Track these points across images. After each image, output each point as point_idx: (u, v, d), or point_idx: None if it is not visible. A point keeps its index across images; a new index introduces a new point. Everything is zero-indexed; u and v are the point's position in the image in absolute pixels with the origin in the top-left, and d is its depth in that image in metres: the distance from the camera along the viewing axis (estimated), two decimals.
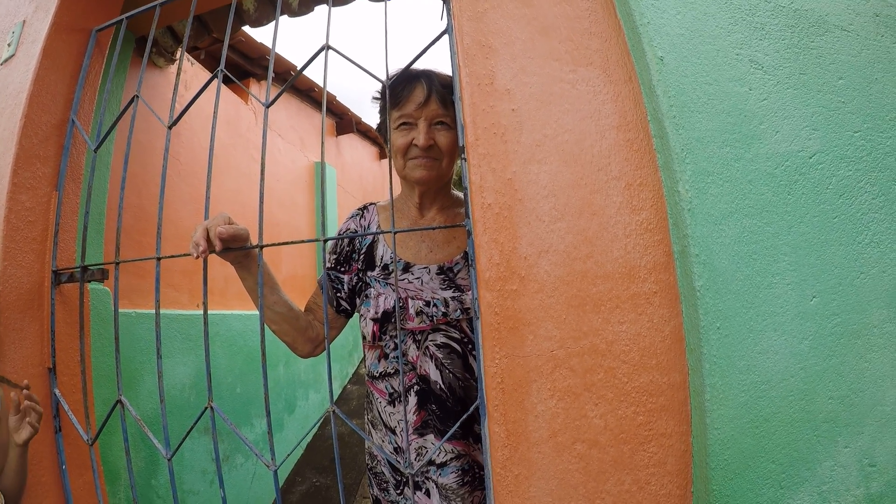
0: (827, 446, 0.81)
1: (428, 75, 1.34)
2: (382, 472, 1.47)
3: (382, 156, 8.25)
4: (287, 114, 5.08)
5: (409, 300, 1.36)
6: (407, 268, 1.41)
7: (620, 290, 0.89)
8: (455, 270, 1.40)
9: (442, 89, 1.33)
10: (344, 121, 6.42)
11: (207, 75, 3.31)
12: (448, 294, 1.37)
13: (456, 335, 1.37)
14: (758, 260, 0.84)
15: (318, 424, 4.66)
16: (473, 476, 1.37)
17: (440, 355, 1.36)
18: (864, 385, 0.83)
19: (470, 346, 1.37)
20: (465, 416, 1.00)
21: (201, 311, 2.93)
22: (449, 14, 1.05)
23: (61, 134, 1.59)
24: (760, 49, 0.92)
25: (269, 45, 4.13)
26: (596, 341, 0.89)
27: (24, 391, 1.34)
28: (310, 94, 5.46)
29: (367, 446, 1.55)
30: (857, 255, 0.86)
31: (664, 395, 0.87)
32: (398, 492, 1.44)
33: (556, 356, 0.89)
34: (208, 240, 1.14)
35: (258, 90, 4.54)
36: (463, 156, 0.97)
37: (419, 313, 1.35)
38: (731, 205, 0.85)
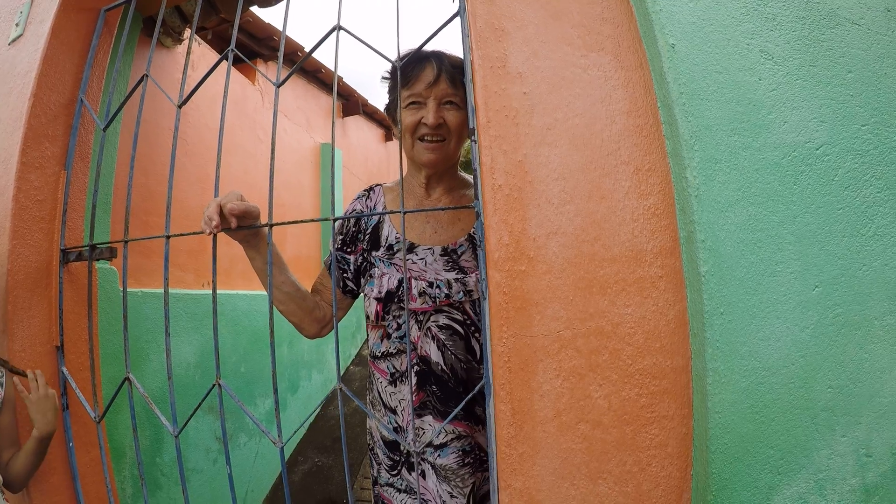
0: (825, 435, 0.82)
1: (438, 55, 1.35)
2: (378, 454, 1.48)
3: (388, 138, 8.21)
4: (294, 95, 5.07)
5: (413, 281, 1.37)
6: (411, 248, 1.41)
7: (627, 273, 0.90)
8: (459, 252, 1.40)
9: (451, 69, 1.34)
10: (350, 102, 6.40)
11: (215, 55, 3.30)
12: (451, 276, 1.37)
13: (458, 317, 1.38)
14: (762, 248, 0.85)
15: (322, 404, 4.68)
16: (475, 458, 1.38)
17: (442, 336, 1.37)
18: (862, 376, 0.84)
19: (472, 328, 1.38)
20: (469, 396, 1.01)
21: (206, 291, 2.97)
22: None
23: (70, 113, 1.59)
24: (771, 39, 0.93)
25: (277, 26, 4.16)
26: (602, 323, 0.90)
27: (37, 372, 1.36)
28: (317, 76, 5.44)
29: (367, 426, 1.56)
30: (860, 247, 0.87)
31: (667, 378, 0.88)
32: (393, 473, 1.44)
33: (563, 337, 0.90)
34: (222, 215, 1.15)
35: (265, 70, 4.52)
36: (473, 138, 0.98)
37: (422, 294, 1.35)
38: (738, 192, 0.86)
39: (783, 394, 0.82)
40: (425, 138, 1.35)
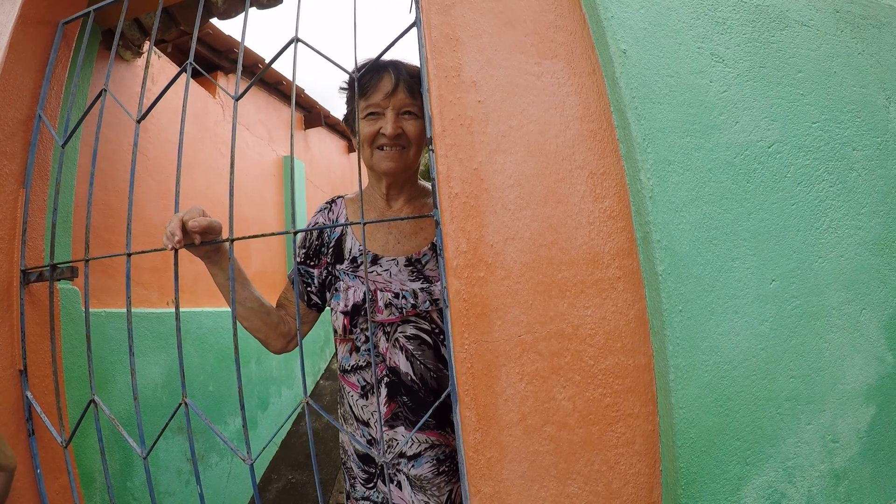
0: (790, 423, 0.84)
1: (395, 65, 1.35)
2: (351, 468, 1.47)
3: (351, 149, 8.19)
4: (255, 107, 5.02)
5: (378, 292, 1.36)
6: (375, 260, 1.41)
7: (585, 275, 0.91)
8: (423, 262, 1.40)
9: (409, 79, 1.34)
10: (312, 114, 6.38)
11: (175, 68, 3.26)
12: (417, 285, 1.37)
13: (426, 326, 1.38)
14: (718, 245, 0.87)
15: (293, 420, 4.64)
16: (451, 466, 1.37)
17: (410, 347, 1.36)
18: (824, 364, 0.86)
19: (441, 337, 1.38)
20: (436, 404, 1.01)
21: (171, 309, 2.91)
22: (417, 7, 1.05)
23: (28, 129, 1.55)
24: (721, 43, 0.95)
25: (237, 38, 4.12)
26: (562, 325, 0.90)
27: None
28: (278, 88, 5.40)
29: (340, 441, 1.55)
30: (815, 240, 0.89)
31: (630, 376, 0.89)
32: (369, 486, 1.43)
33: (524, 341, 0.91)
34: (184, 231, 1.13)
35: (225, 83, 4.47)
36: (431, 147, 0.98)
37: (388, 305, 1.35)
38: (692, 192, 0.87)
39: (746, 386, 0.84)
40: (384, 147, 1.35)
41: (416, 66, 1.38)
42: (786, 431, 0.84)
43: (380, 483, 1.42)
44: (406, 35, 1.08)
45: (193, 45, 1.27)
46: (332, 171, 7.29)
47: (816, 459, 0.84)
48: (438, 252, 0.96)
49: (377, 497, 1.42)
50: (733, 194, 0.89)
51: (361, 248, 1.43)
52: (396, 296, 1.36)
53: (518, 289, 0.92)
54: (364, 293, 1.37)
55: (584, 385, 0.89)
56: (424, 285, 1.37)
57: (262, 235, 1.06)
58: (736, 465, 0.83)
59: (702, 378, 0.83)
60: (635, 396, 0.89)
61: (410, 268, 1.40)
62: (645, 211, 0.86)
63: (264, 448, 1.03)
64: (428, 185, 1.55)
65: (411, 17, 1.11)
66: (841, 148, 0.95)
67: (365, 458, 1.44)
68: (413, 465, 1.36)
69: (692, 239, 0.86)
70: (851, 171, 0.94)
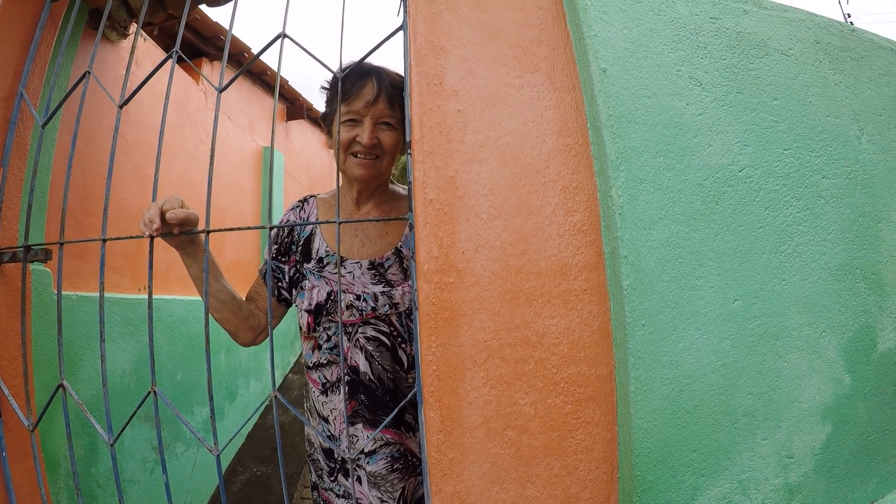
0: (746, 438, 0.87)
1: (379, 73, 1.36)
2: (318, 460, 1.49)
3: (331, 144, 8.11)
4: (238, 96, 4.95)
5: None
6: (340, 262, 1.43)
7: (552, 286, 0.93)
8: (386, 266, 1.42)
9: (391, 89, 1.35)
10: (295, 106, 6.31)
11: (160, 52, 3.21)
12: (378, 289, 1.40)
13: (385, 329, 1.40)
14: (683, 263, 0.89)
15: (260, 413, 4.60)
16: (405, 463, 1.40)
17: (370, 347, 1.39)
18: (782, 383, 0.89)
19: (399, 340, 1.41)
20: (402, 404, 1.03)
21: (143, 296, 2.88)
22: (405, 12, 1.06)
23: (8, 107, 1.53)
24: (701, 67, 0.98)
25: (224, 25, 4.09)
26: (528, 333, 0.92)
27: None
28: (262, 78, 5.34)
29: (306, 433, 1.57)
30: (779, 263, 0.92)
31: (591, 385, 0.91)
32: (332, 478, 1.46)
33: (490, 346, 0.92)
34: (163, 219, 1.13)
35: (210, 70, 4.42)
36: (409, 151, 1.00)
37: (349, 307, 1.38)
38: (661, 211, 0.90)
39: (704, 400, 0.86)
40: (358, 154, 1.36)
41: (400, 76, 1.39)
42: (742, 445, 0.87)
43: (340, 477, 1.44)
44: (392, 38, 1.09)
45: (181, 32, 1.26)
46: (311, 164, 7.21)
47: (771, 473, 0.87)
48: (411, 255, 0.98)
49: (339, 490, 1.45)
50: (702, 215, 0.91)
51: (328, 249, 1.45)
52: (358, 298, 1.38)
53: (486, 296, 0.93)
54: (328, 293, 1.39)
55: (546, 392, 0.91)
56: (386, 289, 1.40)
57: (238, 229, 1.06)
58: (692, 475, 0.85)
59: (661, 390, 0.85)
60: (596, 405, 0.91)
61: (373, 271, 1.42)
62: (614, 227, 0.88)
63: (231, 439, 1.04)
64: (399, 188, 1.58)
65: (398, 21, 1.12)
66: (811, 175, 0.98)
67: (328, 452, 1.46)
68: (369, 462, 1.39)
69: (658, 256, 0.88)
70: (819, 199, 0.97)
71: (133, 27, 2.66)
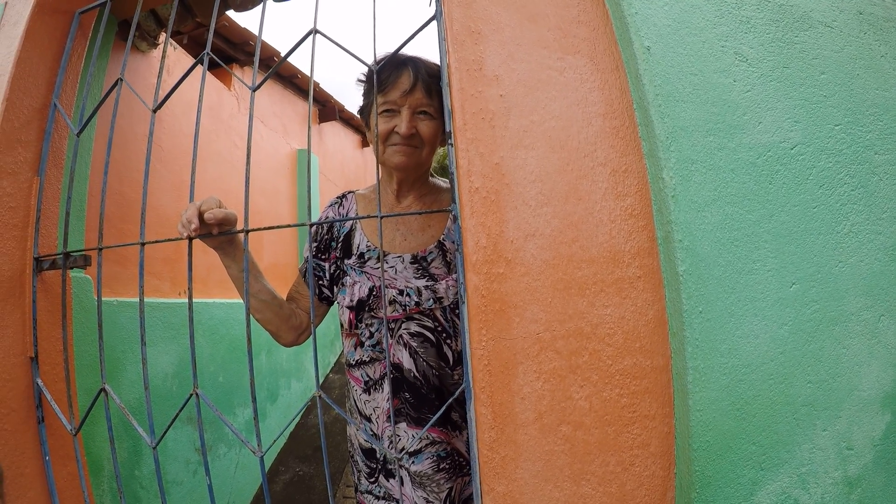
0: (806, 429, 0.83)
1: (415, 63, 1.34)
2: (357, 461, 1.48)
3: (365, 144, 8.19)
4: (270, 100, 5.04)
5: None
6: (382, 256, 1.42)
7: (605, 274, 0.91)
8: (429, 259, 1.40)
9: (428, 78, 1.33)
10: (327, 108, 6.40)
11: (190, 60, 3.27)
12: (421, 283, 1.38)
13: (429, 324, 1.38)
14: (739, 247, 0.86)
15: (302, 412, 4.64)
16: (452, 463, 1.38)
17: (414, 343, 1.37)
18: (841, 370, 0.85)
19: (444, 335, 1.38)
20: (450, 400, 1.00)
21: (183, 300, 2.92)
22: (438, 0, 1.05)
23: (43, 118, 1.56)
24: (745, 42, 0.94)
25: (253, 31, 4.14)
26: (581, 324, 0.90)
27: None
28: (293, 81, 5.42)
29: (348, 434, 1.56)
30: (835, 244, 0.88)
31: (647, 377, 0.88)
32: (371, 480, 1.44)
33: (542, 339, 0.90)
34: (201, 220, 1.13)
35: (240, 76, 4.49)
36: (450, 141, 0.98)
37: (392, 302, 1.36)
38: (714, 192, 0.86)
39: (763, 390, 0.83)
40: (397, 144, 1.34)
41: (436, 65, 1.37)
42: (801, 437, 0.83)
43: (381, 478, 1.42)
44: (427, 28, 1.08)
45: (210, 35, 1.26)
46: (345, 166, 7.31)
47: (830, 466, 0.83)
48: (457, 247, 0.96)
49: (379, 491, 1.43)
50: (755, 195, 0.88)
51: (369, 244, 1.44)
52: (401, 293, 1.36)
53: (537, 286, 0.91)
54: (370, 289, 1.38)
55: (601, 385, 0.89)
56: (429, 283, 1.38)
57: (277, 227, 1.05)
58: (751, 469, 0.82)
59: (720, 381, 0.82)
60: (652, 398, 0.88)
61: (416, 265, 1.40)
62: (667, 210, 0.85)
63: (275, 440, 1.03)
64: (440, 181, 1.56)
65: (431, 10, 1.10)
66: (863, 151, 0.93)
67: (368, 453, 1.44)
68: (413, 462, 1.36)
69: (714, 240, 0.85)
70: (873, 175, 0.93)
71: (162, 37, 2.69)
